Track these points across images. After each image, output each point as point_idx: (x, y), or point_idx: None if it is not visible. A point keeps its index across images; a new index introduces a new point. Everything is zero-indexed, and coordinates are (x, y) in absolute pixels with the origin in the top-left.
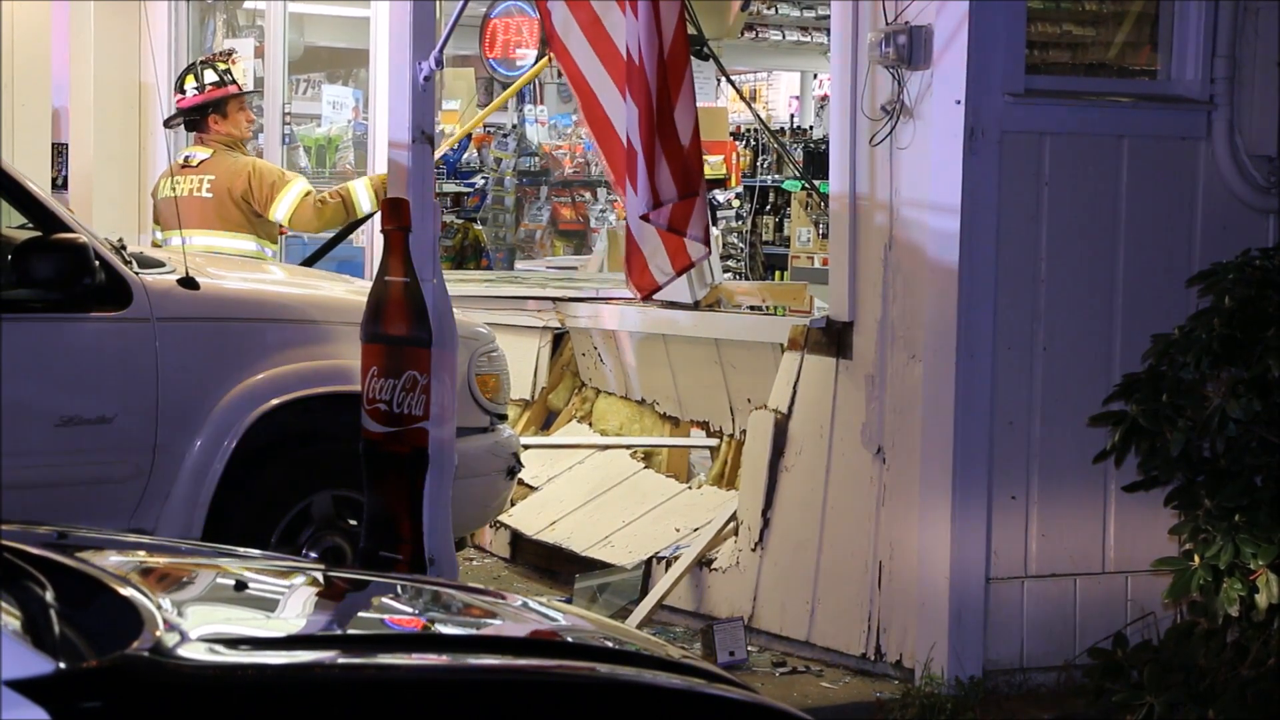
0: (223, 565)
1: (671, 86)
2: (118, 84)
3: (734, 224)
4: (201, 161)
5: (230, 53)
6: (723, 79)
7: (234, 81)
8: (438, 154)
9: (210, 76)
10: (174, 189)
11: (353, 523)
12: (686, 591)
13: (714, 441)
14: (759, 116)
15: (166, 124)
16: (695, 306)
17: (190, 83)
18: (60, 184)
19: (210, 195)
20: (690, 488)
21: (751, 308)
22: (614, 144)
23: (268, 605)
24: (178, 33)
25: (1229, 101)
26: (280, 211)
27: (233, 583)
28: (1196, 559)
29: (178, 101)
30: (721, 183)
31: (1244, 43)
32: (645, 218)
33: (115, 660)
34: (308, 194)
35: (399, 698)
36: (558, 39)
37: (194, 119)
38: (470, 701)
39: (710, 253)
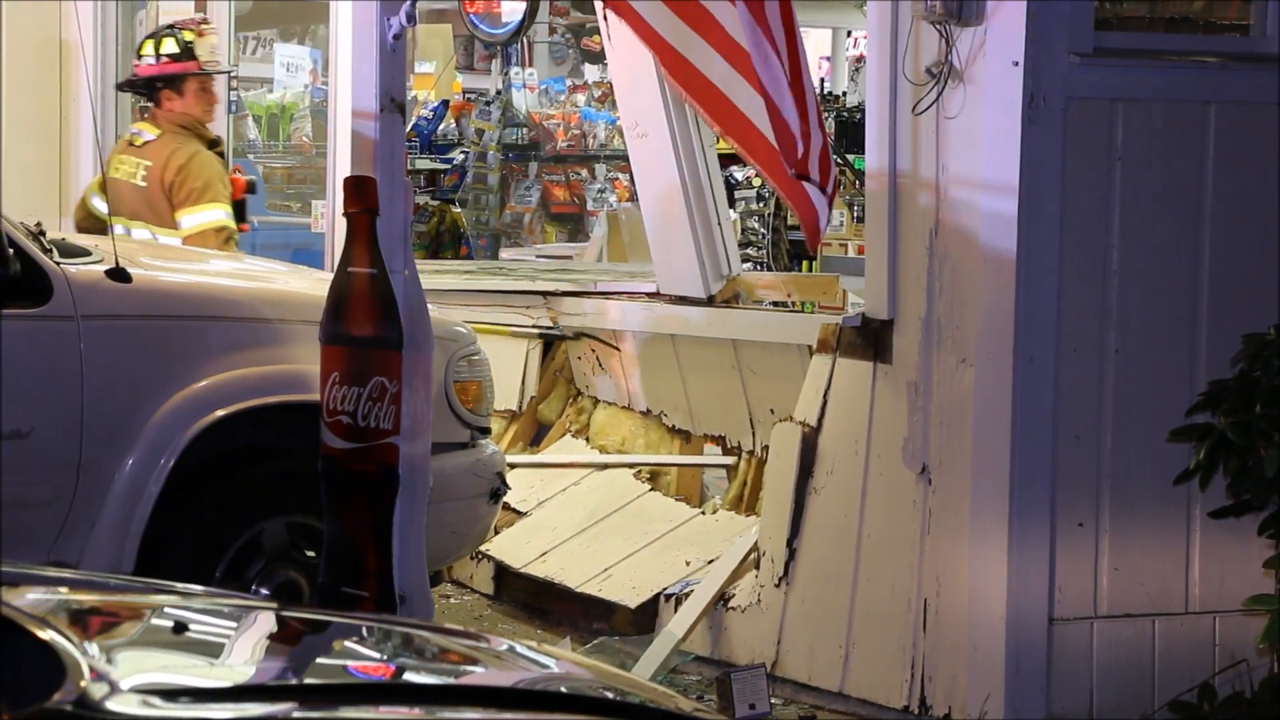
0: (159, 604)
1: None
2: (33, 41)
3: (754, 206)
4: (147, 143)
5: (201, 21)
6: None
7: (194, 57)
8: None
9: (170, 47)
10: (116, 169)
11: (310, 554)
12: (700, 633)
13: (731, 459)
14: None
15: (119, 87)
16: (709, 302)
17: (148, 49)
18: None
19: (145, 184)
20: (703, 513)
21: (775, 304)
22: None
23: (211, 650)
24: None
25: None
26: (186, 221)
27: (170, 624)
28: None
29: (134, 68)
30: (739, 158)
31: None
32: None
33: (33, 715)
34: (223, 229)
35: None
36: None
37: (150, 91)
38: None
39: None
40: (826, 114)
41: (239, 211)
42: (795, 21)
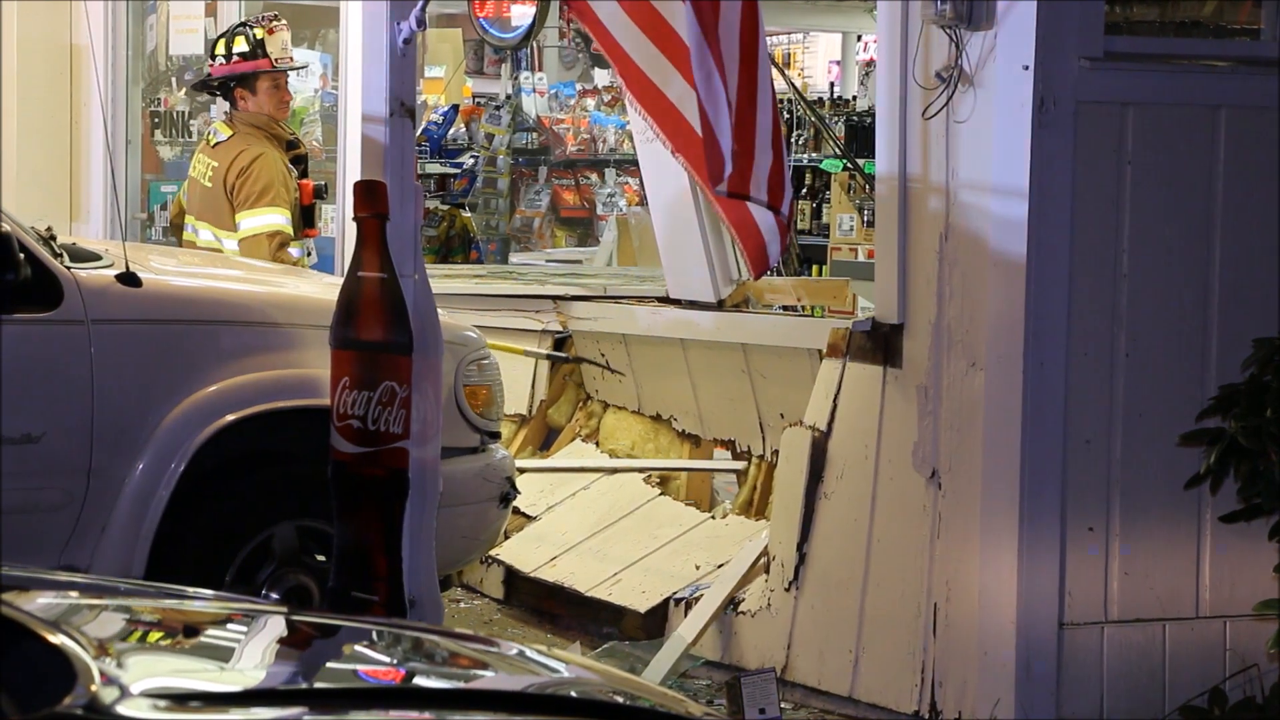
0: (169, 608)
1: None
2: (44, 45)
3: None
4: (219, 143)
5: (274, 18)
6: None
7: (265, 55)
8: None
9: (240, 46)
10: (194, 168)
11: (320, 558)
12: (710, 638)
13: (741, 464)
14: (793, 85)
15: (193, 88)
16: (719, 307)
17: (220, 49)
18: None
19: (210, 185)
20: (713, 517)
21: (784, 308)
22: (672, 116)
23: (222, 654)
24: None
25: None
26: (243, 224)
27: (181, 628)
28: None
29: (208, 68)
30: None
31: None
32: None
33: (44, 719)
34: (276, 235)
35: None
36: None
37: (225, 91)
38: None
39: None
40: (837, 118)
41: (308, 216)
42: (759, 37)
